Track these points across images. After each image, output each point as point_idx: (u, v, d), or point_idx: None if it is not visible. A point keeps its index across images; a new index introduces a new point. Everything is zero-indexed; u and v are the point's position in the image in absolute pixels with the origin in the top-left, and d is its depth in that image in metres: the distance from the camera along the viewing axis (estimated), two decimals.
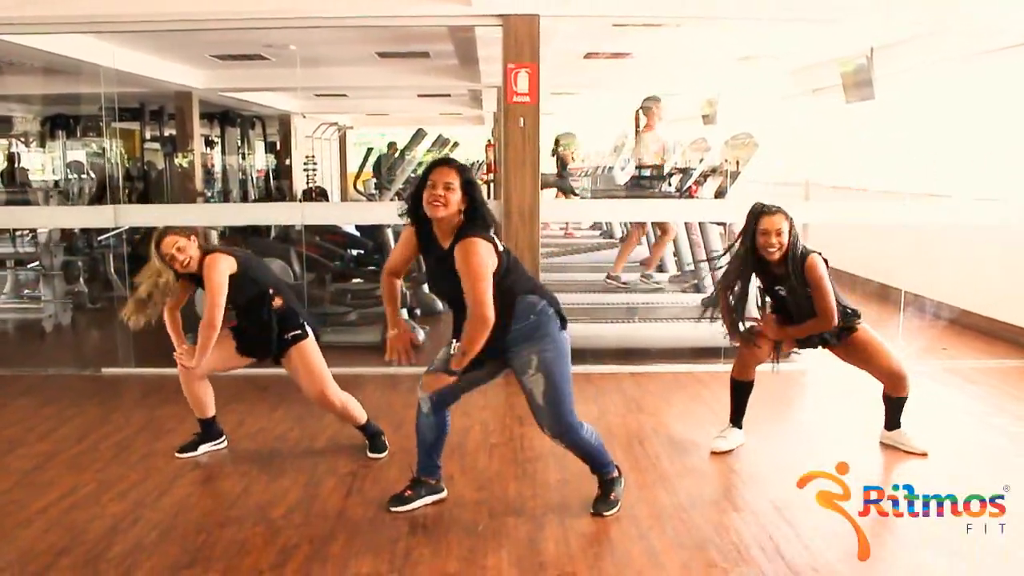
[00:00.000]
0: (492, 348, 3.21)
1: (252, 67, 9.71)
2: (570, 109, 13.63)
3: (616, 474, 3.56)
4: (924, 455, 4.14)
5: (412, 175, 7.97)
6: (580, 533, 3.34)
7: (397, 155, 8.08)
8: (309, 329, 4.07)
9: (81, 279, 7.94)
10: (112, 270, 8.28)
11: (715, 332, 6.18)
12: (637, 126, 7.79)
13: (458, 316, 3.28)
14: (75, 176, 11.29)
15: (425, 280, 7.89)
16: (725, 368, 5.62)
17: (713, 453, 4.19)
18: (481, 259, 3.11)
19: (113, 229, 7.32)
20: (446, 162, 3.25)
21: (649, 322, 6.55)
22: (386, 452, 4.16)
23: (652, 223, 7.84)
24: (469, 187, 3.19)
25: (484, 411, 4.83)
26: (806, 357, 5.92)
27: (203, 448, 4.19)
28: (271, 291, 4.03)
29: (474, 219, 3.19)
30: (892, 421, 4.24)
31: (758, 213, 3.94)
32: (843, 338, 4.10)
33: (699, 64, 9.56)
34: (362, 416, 4.18)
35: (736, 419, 4.30)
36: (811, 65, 9.42)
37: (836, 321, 3.97)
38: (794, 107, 10.20)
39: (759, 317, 4.35)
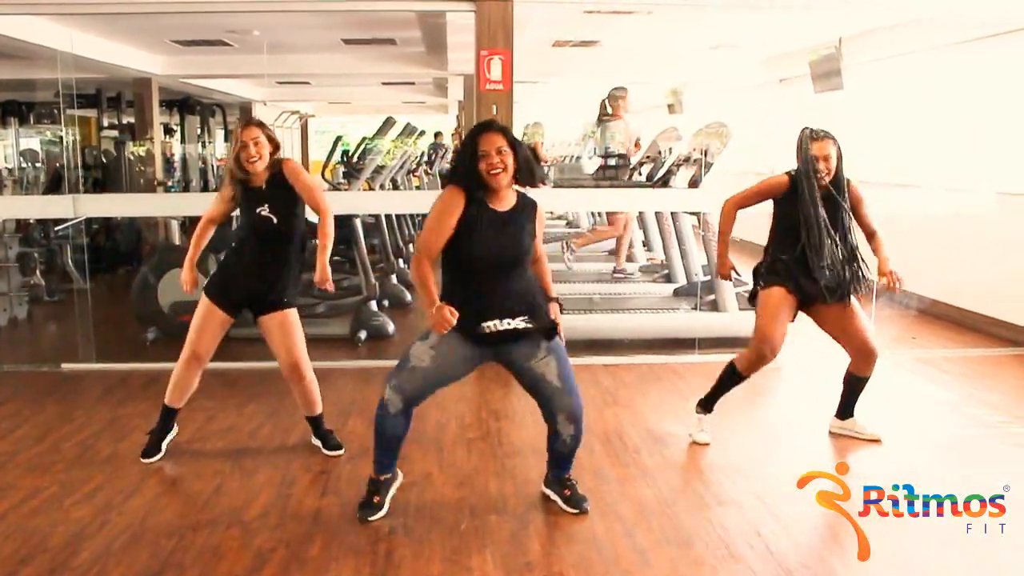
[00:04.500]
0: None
1: (214, 53, 9.53)
2: (537, 98, 13.54)
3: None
4: (878, 441, 4.14)
5: (380, 165, 7.84)
6: (565, 531, 3.27)
7: (367, 143, 7.94)
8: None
9: (38, 271, 7.71)
10: (71, 262, 8.05)
11: (688, 321, 6.23)
12: (602, 115, 7.74)
13: (501, 283, 3.20)
14: (29, 165, 10.98)
15: (397, 267, 7.79)
16: (701, 359, 5.64)
17: (697, 444, 4.13)
18: None
19: (71, 219, 7.11)
20: (489, 127, 3.18)
21: (621, 312, 6.51)
22: (343, 450, 4.03)
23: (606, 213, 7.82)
24: (516, 147, 3.16)
25: (459, 403, 4.74)
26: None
27: (164, 444, 4.00)
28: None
29: (531, 178, 3.22)
30: (847, 409, 4.21)
31: (808, 140, 3.87)
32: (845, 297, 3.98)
33: (669, 53, 9.53)
34: (319, 405, 4.04)
35: (710, 404, 4.19)
36: (780, 55, 9.44)
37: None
38: (763, 96, 10.21)
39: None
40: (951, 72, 7.34)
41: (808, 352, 5.22)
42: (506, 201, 3.22)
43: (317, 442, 4.09)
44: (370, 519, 3.31)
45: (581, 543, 3.16)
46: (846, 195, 3.94)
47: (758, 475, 3.75)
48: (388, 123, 7.81)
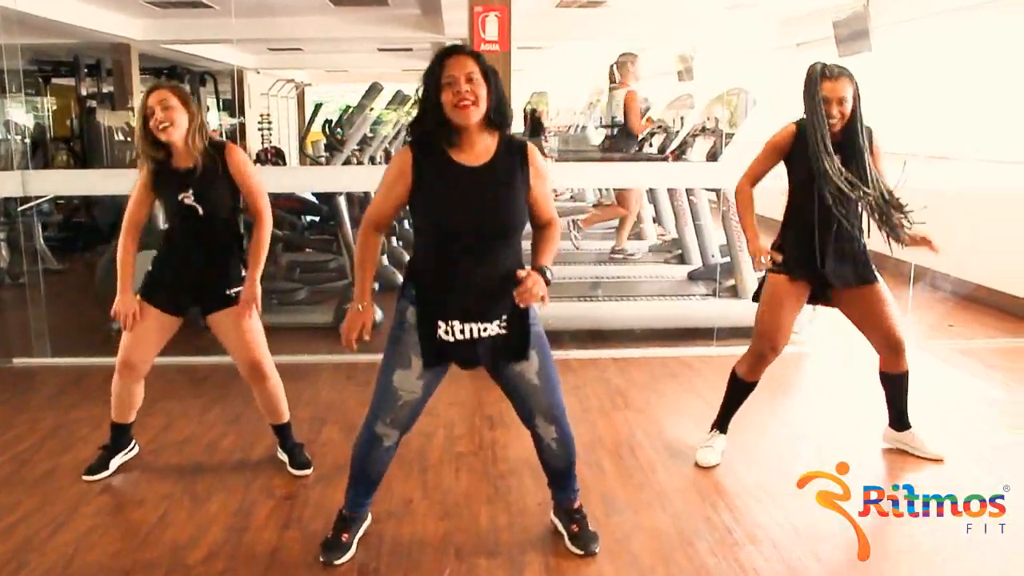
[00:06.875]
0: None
1: (194, 16, 8.93)
2: (540, 64, 12.94)
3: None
4: (940, 461, 3.59)
5: (368, 135, 7.26)
6: None
7: (351, 111, 7.33)
8: None
9: (2, 251, 7.18)
10: (41, 242, 7.52)
11: (705, 309, 5.67)
12: (612, 83, 7.23)
13: (477, 265, 2.56)
14: (10, 136, 10.46)
15: (389, 246, 7.23)
16: (718, 352, 5.08)
17: (699, 467, 3.57)
18: None
19: (39, 197, 6.56)
20: (458, 50, 2.51)
21: (629, 299, 5.95)
22: (311, 469, 3.50)
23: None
24: (491, 78, 2.50)
25: (450, 408, 4.20)
26: (807, 337, 5.37)
27: (115, 462, 3.50)
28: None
29: (504, 121, 2.58)
30: (899, 418, 3.64)
31: (818, 77, 3.19)
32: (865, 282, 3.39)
33: (682, 14, 8.91)
34: (286, 413, 3.52)
35: (723, 423, 3.67)
36: (800, 15, 8.81)
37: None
38: (782, 61, 9.59)
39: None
40: (991, 34, 6.72)
41: (838, 342, 4.70)
42: (479, 152, 2.56)
43: (283, 457, 3.56)
44: (335, 562, 2.78)
45: None
46: (865, 142, 3.26)
47: (796, 502, 3.18)
48: (374, 89, 7.16)
